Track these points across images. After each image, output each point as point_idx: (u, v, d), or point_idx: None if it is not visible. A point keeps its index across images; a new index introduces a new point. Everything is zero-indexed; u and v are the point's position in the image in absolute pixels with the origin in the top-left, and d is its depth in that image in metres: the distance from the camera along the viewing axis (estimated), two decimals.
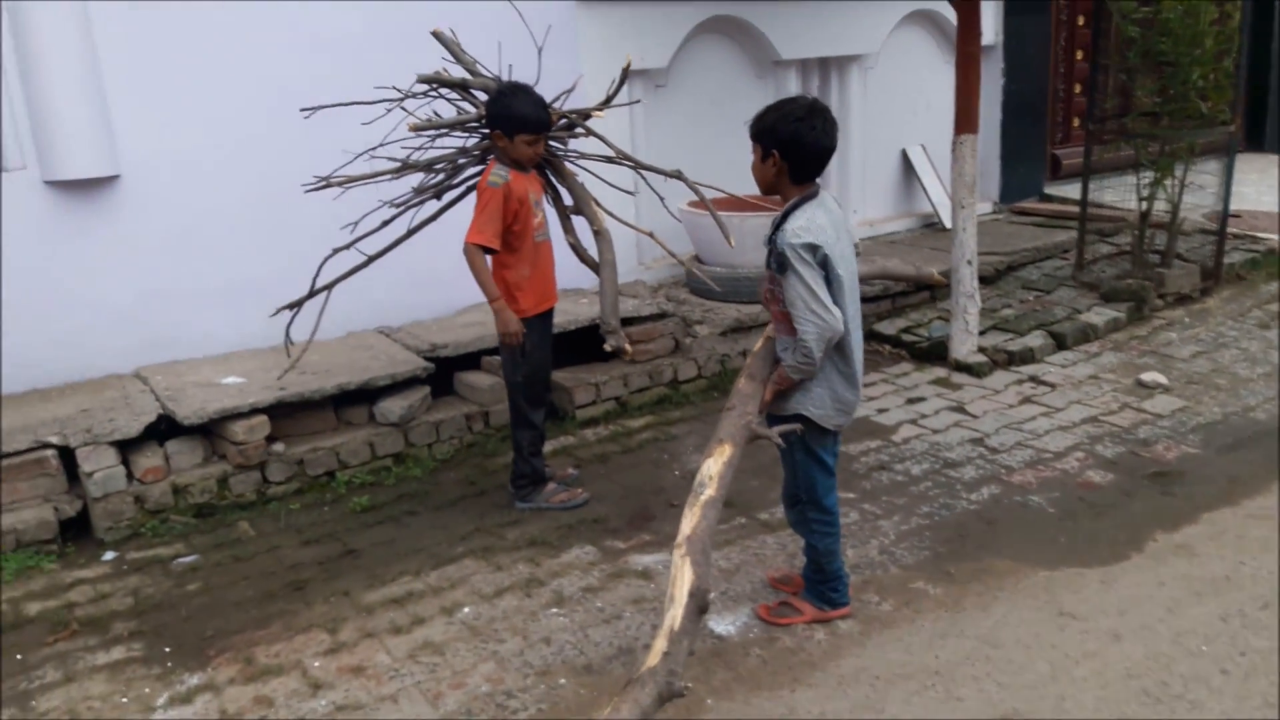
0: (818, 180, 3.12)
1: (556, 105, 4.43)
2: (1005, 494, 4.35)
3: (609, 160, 4.37)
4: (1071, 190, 8.18)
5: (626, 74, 4.31)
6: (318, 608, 3.67)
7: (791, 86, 7.57)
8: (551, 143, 4.38)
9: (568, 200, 4.45)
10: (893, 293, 6.87)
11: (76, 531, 4.27)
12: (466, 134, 4.37)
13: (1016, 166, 9.04)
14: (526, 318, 4.17)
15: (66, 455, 4.22)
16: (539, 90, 4.33)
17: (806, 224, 2.98)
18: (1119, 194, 7.08)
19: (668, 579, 3.68)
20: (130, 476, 4.31)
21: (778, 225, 3.06)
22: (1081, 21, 9.31)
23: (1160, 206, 6.74)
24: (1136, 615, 3.35)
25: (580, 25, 6.30)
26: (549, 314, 4.35)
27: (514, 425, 4.42)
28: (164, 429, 4.47)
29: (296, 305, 4.53)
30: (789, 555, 3.89)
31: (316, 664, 3.32)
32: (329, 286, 4.50)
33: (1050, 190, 9.16)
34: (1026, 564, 3.74)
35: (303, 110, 4.30)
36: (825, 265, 2.99)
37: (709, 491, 2.90)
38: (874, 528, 4.11)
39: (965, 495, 4.35)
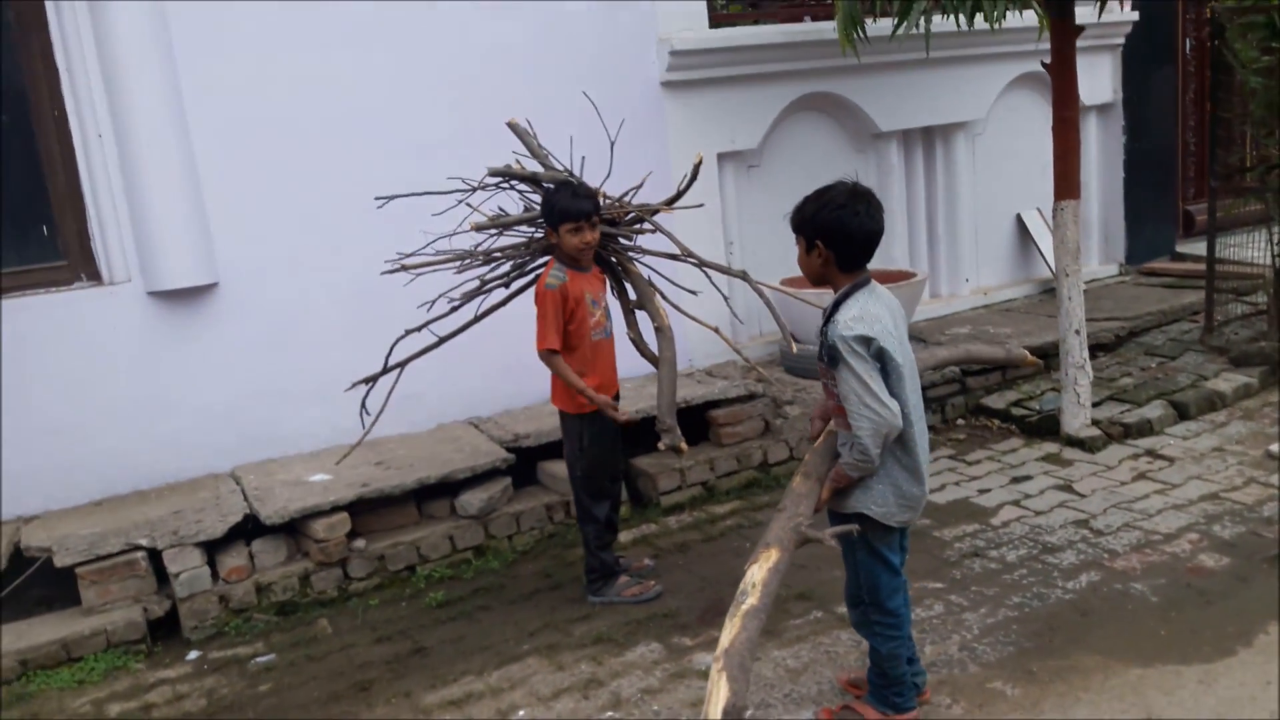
0: (867, 267, 3.00)
1: (626, 199, 4.45)
2: (1105, 581, 4.03)
3: (673, 257, 4.33)
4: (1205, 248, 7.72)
5: (697, 171, 4.29)
6: (378, 709, 3.66)
7: (893, 159, 7.43)
8: (619, 239, 4.39)
9: (633, 295, 4.43)
10: (1005, 364, 6.56)
11: (166, 631, 4.40)
12: (534, 228, 4.42)
13: (1143, 225, 8.59)
14: (586, 413, 4.15)
15: (156, 557, 4.37)
16: (622, 182, 4.39)
17: (859, 314, 2.87)
18: (1255, 250, 6.62)
19: None
20: (216, 576, 4.44)
21: (829, 316, 2.95)
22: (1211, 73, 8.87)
23: None
24: None
25: (667, 112, 6.34)
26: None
27: (580, 520, 4.38)
28: (251, 528, 4.60)
29: (371, 380, 4.57)
30: (863, 653, 3.68)
31: None
32: (401, 365, 4.52)
33: (1183, 249, 8.66)
34: (1118, 660, 3.44)
35: (376, 199, 4.43)
36: (881, 357, 2.87)
37: (751, 600, 2.74)
38: (958, 621, 3.86)
39: (1061, 583, 4.05)
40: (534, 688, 3.69)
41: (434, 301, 4.37)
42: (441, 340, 4.47)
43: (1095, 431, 5.53)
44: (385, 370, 4.50)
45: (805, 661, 3.69)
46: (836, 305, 2.94)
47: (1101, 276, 8.47)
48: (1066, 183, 5.53)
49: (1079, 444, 5.49)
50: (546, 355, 4.03)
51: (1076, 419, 5.58)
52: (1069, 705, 3.21)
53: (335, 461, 4.90)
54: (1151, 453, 5.32)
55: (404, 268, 4.30)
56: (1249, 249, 6.64)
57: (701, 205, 4.45)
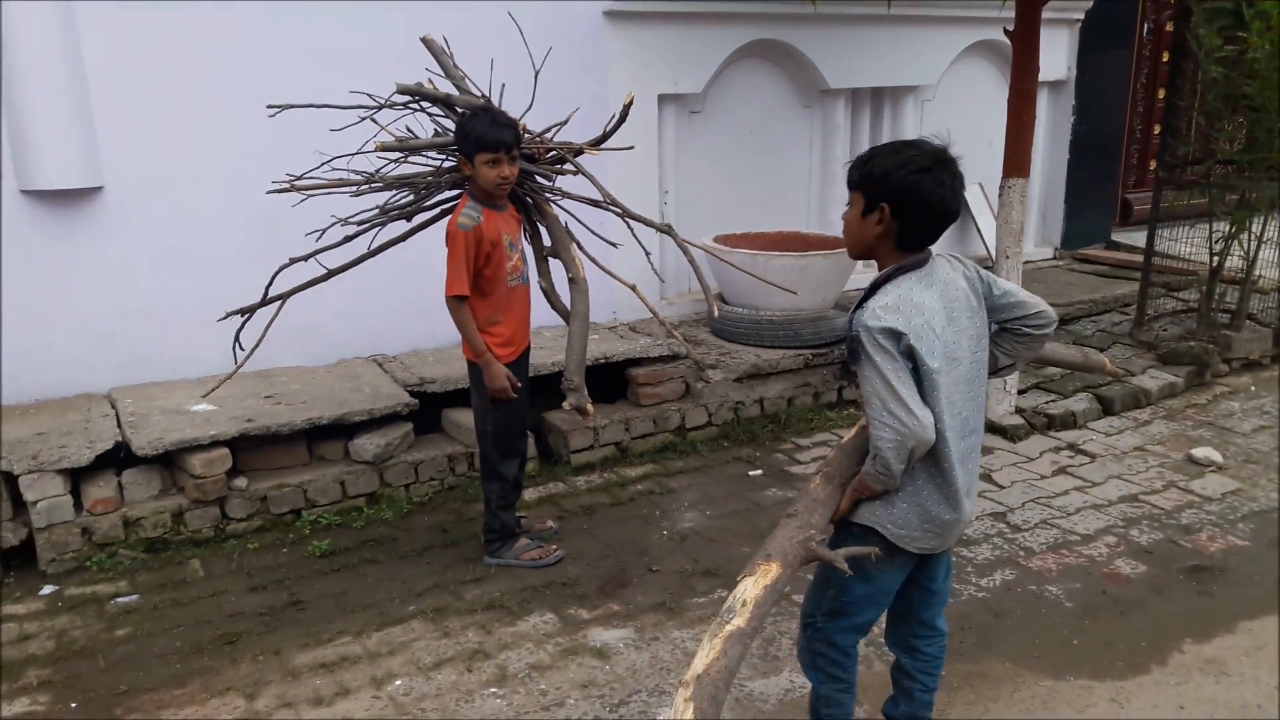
0: (930, 249, 2.45)
1: (548, 136, 4.12)
2: (1020, 581, 3.90)
3: (595, 204, 4.02)
4: (1142, 238, 7.65)
5: (627, 111, 3.94)
6: (243, 667, 3.38)
7: (840, 118, 7.17)
8: (538, 178, 4.06)
9: (548, 242, 4.12)
10: None
11: (23, 562, 4.05)
12: (444, 156, 4.07)
13: (1083, 211, 8.50)
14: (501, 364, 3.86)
15: (13, 481, 3.99)
16: (556, 116, 4.04)
17: (895, 302, 2.33)
18: (1191, 245, 6.53)
19: (624, 661, 3.37)
20: (80, 506, 4.08)
21: (861, 300, 2.42)
22: (1166, 58, 8.74)
23: (1235, 262, 6.20)
24: None
25: (608, 43, 5.98)
26: (522, 359, 4.01)
27: (483, 476, 4.11)
28: (123, 456, 4.24)
29: (247, 312, 4.19)
30: (766, 640, 3.49)
31: None
32: (282, 297, 4.12)
33: (1119, 237, 8.61)
34: (1030, 670, 3.30)
35: (269, 107, 4.03)
36: (911, 357, 2.33)
37: (737, 621, 2.23)
38: None
39: (975, 579, 3.91)
40: (415, 655, 3.44)
41: (325, 230, 4.00)
42: (329, 273, 4.11)
43: (1019, 420, 5.41)
44: (264, 301, 4.12)
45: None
46: (874, 288, 2.40)
47: (1035, 259, 8.38)
48: (1018, 160, 5.33)
49: (1001, 432, 5.36)
50: (453, 302, 3.70)
51: (1000, 405, 5.45)
52: (977, 715, 3.06)
53: (204, 393, 4.53)
54: (1073, 446, 5.21)
55: (294, 188, 3.91)
56: (1185, 244, 6.56)
57: (631, 148, 4.10)
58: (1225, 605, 3.67)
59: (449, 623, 3.65)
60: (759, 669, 3.34)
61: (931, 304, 2.36)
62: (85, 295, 4.78)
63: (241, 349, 4.07)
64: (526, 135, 4.00)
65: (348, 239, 4.04)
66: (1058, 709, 3.08)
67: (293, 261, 4.00)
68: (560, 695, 3.21)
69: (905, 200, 2.34)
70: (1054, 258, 8.43)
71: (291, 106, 3.99)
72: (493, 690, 3.24)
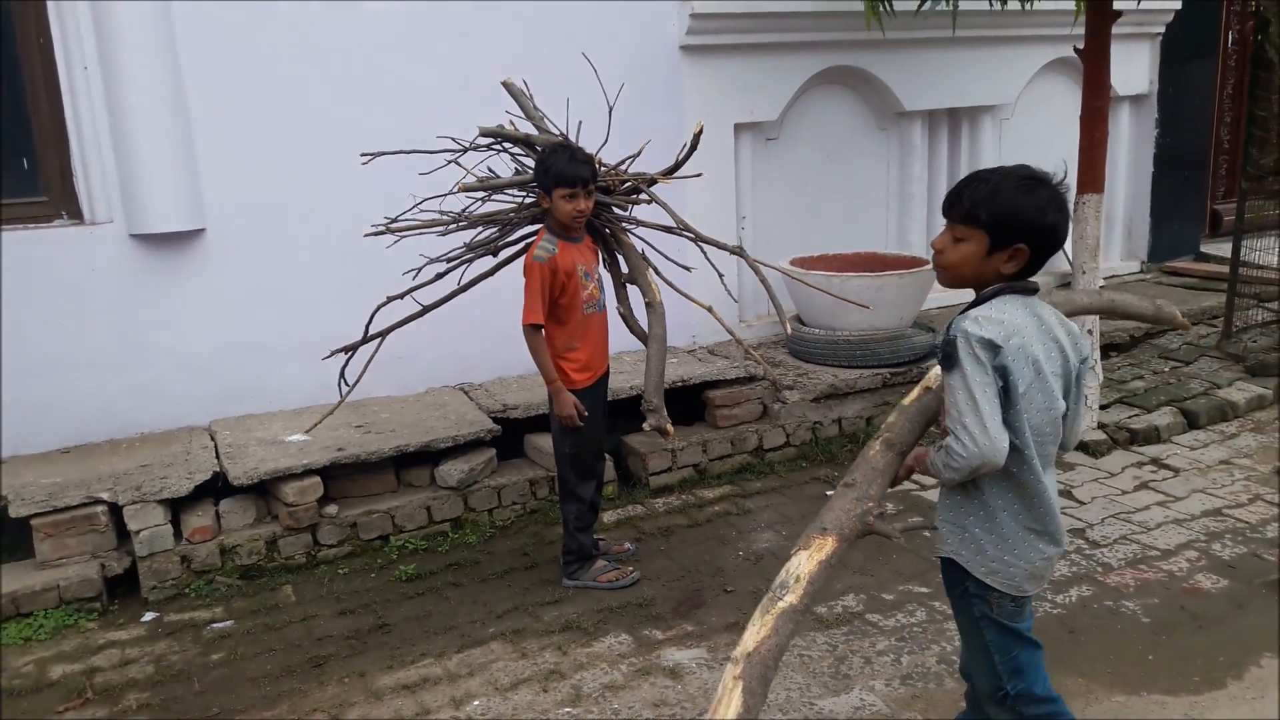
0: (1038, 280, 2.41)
1: (623, 168, 4.24)
2: (1096, 597, 3.86)
3: (668, 230, 4.12)
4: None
5: (698, 139, 4.05)
6: (330, 689, 3.53)
7: (916, 139, 7.18)
8: (614, 208, 4.19)
9: (625, 269, 4.23)
10: None
11: (126, 590, 4.28)
12: (525, 193, 4.23)
13: (1169, 223, 8.33)
14: (576, 390, 3.99)
15: (119, 511, 4.23)
16: (635, 145, 4.17)
17: (998, 315, 2.28)
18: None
19: (696, 681, 3.44)
20: (179, 535, 4.31)
21: (965, 310, 2.37)
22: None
23: None
24: None
25: (685, 77, 6.11)
26: (599, 384, 4.15)
27: (561, 498, 4.23)
28: (221, 486, 4.46)
29: (350, 349, 4.42)
30: (837, 659, 3.53)
31: None
32: (383, 334, 4.35)
33: (1209, 249, 8.40)
34: (1102, 685, 3.28)
35: (363, 155, 4.25)
36: (1004, 376, 2.26)
37: (790, 598, 2.19)
38: (939, 630, 3.70)
39: (1051, 596, 3.89)
40: (493, 676, 3.56)
41: (420, 269, 4.19)
42: (424, 310, 4.30)
43: (1101, 435, 5.34)
44: (365, 339, 4.34)
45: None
46: (979, 301, 2.37)
47: (1122, 273, 8.23)
48: (1091, 175, 5.31)
49: (1084, 448, 5.30)
50: (529, 330, 3.86)
51: (1083, 422, 5.37)
52: None
53: (309, 427, 4.74)
54: (1157, 461, 5.13)
55: (389, 230, 4.13)
56: (1273, 254, 6.40)
57: (699, 175, 4.19)
58: None
59: (527, 644, 3.76)
60: (829, 687, 3.37)
61: (1029, 328, 2.30)
62: (188, 332, 5.04)
63: (346, 384, 4.29)
64: (602, 169, 4.14)
65: (439, 276, 4.22)
66: None
67: (390, 300, 4.20)
68: (632, 714, 3.29)
69: (1044, 239, 2.30)
70: (1141, 271, 8.27)
71: (384, 154, 4.18)
72: (567, 710, 3.34)
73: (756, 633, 2.15)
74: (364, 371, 4.32)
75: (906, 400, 2.61)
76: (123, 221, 4.86)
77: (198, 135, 4.90)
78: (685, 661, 3.59)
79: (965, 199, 2.33)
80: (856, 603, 3.93)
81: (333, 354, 4.37)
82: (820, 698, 3.32)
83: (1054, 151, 7.63)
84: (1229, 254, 6.61)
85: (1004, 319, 2.28)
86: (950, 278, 2.42)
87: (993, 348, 2.24)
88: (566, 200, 3.79)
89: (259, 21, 4.93)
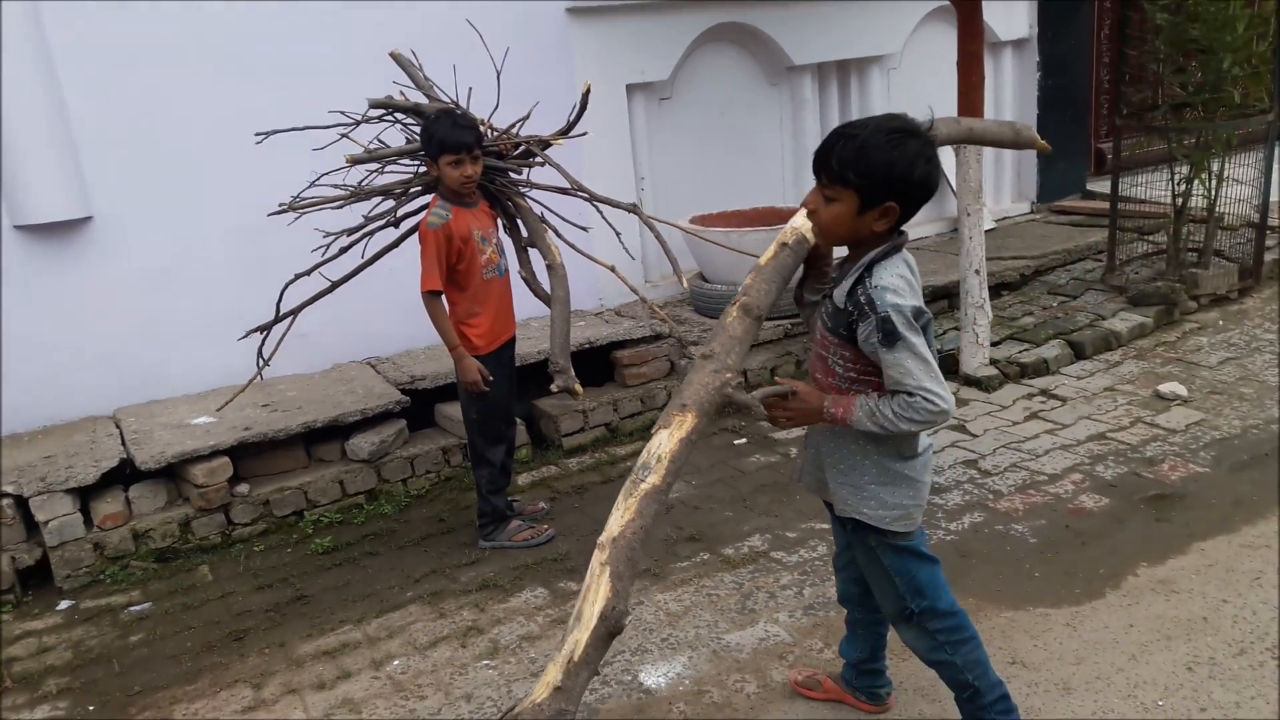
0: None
1: (514, 130, 4.29)
2: (988, 522, 4.07)
3: (563, 191, 4.19)
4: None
5: (586, 100, 4.12)
6: (250, 660, 3.58)
7: (807, 92, 7.31)
8: (509, 173, 4.24)
9: (525, 233, 4.29)
10: None
11: (40, 580, 4.26)
12: (417, 162, 4.26)
13: (1056, 163, 8.59)
14: (479, 355, 4.05)
15: (26, 504, 4.20)
16: (527, 110, 4.21)
17: (906, 283, 2.31)
18: (1158, 189, 6.66)
19: None
20: (89, 523, 4.29)
21: (858, 279, 2.34)
22: None
23: (1200, 202, 6.34)
24: (1094, 664, 3.06)
25: (574, 39, 6.14)
26: (504, 349, 4.21)
27: (473, 463, 4.30)
28: (129, 473, 4.45)
29: (265, 329, 4.42)
30: (744, 595, 3.68)
31: None
32: (294, 312, 4.36)
33: (1094, 187, 8.71)
34: (991, 603, 3.47)
35: (256, 135, 4.24)
36: (925, 334, 2.32)
37: (653, 479, 2.18)
38: None
39: (945, 524, 4.08)
40: (413, 636, 3.64)
41: (327, 245, 4.20)
42: (334, 285, 4.34)
43: (993, 371, 5.57)
44: (278, 318, 4.36)
45: (686, 605, 3.67)
46: (869, 267, 2.32)
47: (1013, 214, 8.51)
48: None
49: (976, 383, 5.52)
50: (427, 297, 3.91)
51: (975, 358, 5.61)
52: None
53: (218, 406, 4.75)
54: (1046, 392, 5.37)
55: (291, 208, 4.14)
56: (1154, 188, 6.68)
57: (585, 134, 4.25)
58: (1181, 529, 3.83)
59: (445, 604, 3.85)
60: (736, 622, 3.52)
61: (917, 284, 2.36)
62: (83, 322, 4.98)
63: (265, 361, 4.32)
64: (492, 133, 4.19)
65: (343, 250, 4.26)
66: (1015, 637, 3.25)
67: (297, 277, 4.23)
68: (549, 661, 3.39)
69: (914, 193, 2.28)
70: (1031, 211, 8.55)
71: (277, 132, 4.17)
72: (485, 662, 3.43)
73: (621, 517, 2.15)
74: (276, 348, 4.33)
75: (762, 260, 2.51)
76: (4, 213, 4.77)
77: (76, 124, 4.83)
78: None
79: (834, 159, 2.27)
80: (761, 542, 4.08)
81: (247, 334, 4.38)
82: (727, 632, 3.46)
83: (942, 98, 7.87)
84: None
85: (911, 284, 2.32)
86: (825, 237, 2.41)
87: (921, 314, 2.28)
88: (453, 166, 3.84)
89: (131, 4, 4.85)
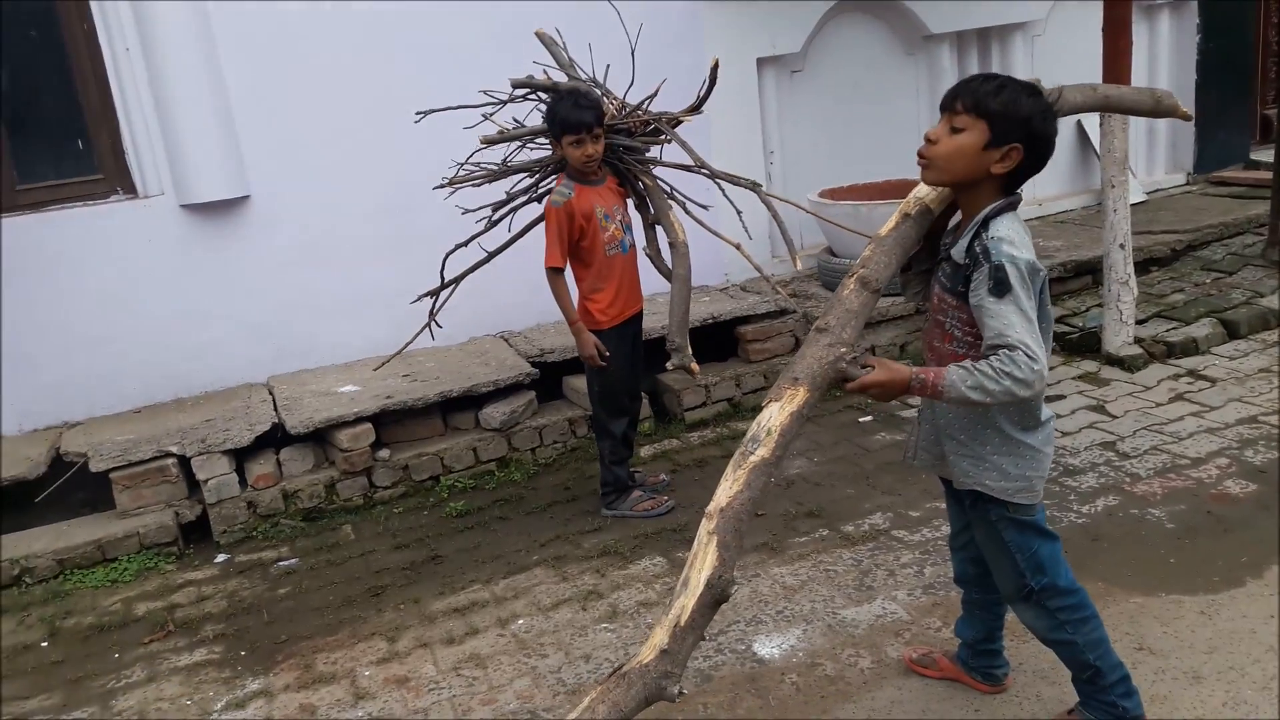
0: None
1: (644, 107, 4.35)
2: (1122, 506, 3.95)
3: (686, 169, 4.23)
4: None
5: (715, 75, 4.15)
6: (387, 615, 3.79)
7: (945, 62, 7.15)
8: (638, 150, 4.31)
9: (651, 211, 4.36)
10: (1050, 278, 6.37)
11: (200, 535, 4.58)
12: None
13: (1216, 131, 8.18)
14: (601, 330, 4.15)
15: (188, 463, 4.52)
16: (662, 91, 4.28)
17: (1019, 236, 2.30)
18: None
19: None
20: (244, 483, 4.59)
21: (975, 232, 2.32)
22: None
23: None
24: (1228, 654, 2.96)
25: (704, 20, 6.15)
26: (627, 324, 4.29)
27: (596, 435, 4.42)
28: (280, 436, 4.73)
29: (434, 294, 4.61)
30: (862, 572, 3.68)
31: (367, 673, 3.42)
32: (458, 279, 4.58)
33: (1258, 156, 8.24)
34: (1121, 588, 3.38)
35: (416, 114, 4.40)
36: (1039, 295, 2.30)
37: (762, 452, 2.19)
38: None
39: (1077, 507, 3.98)
40: (536, 598, 3.78)
41: (485, 219, 4.37)
42: (490, 255, 4.51)
43: (1137, 350, 5.36)
44: (444, 285, 4.57)
45: (803, 580, 3.70)
46: (986, 221, 2.32)
47: (1166, 186, 8.13)
48: None
49: (1119, 363, 5.33)
50: (550, 274, 4.03)
51: (1118, 337, 5.41)
52: None
53: (371, 371, 5.02)
54: (1194, 373, 5.15)
55: (450, 184, 4.32)
56: None
57: (700, 112, 4.26)
58: None
59: (568, 568, 3.97)
60: (853, 598, 3.53)
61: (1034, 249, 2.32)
62: (241, 295, 5.30)
63: (438, 324, 4.61)
64: (625, 109, 4.26)
65: (493, 224, 4.43)
66: (1143, 623, 3.16)
67: (457, 247, 4.42)
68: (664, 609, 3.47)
69: (1039, 147, 2.29)
70: (1187, 183, 8.15)
71: (434, 111, 4.32)
72: (604, 625, 3.54)
73: (729, 488, 2.17)
74: (419, 333, 4.58)
75: (882, 230, 2.46)
76: (173, 193, 5.11)
77: (236, 107, 5.11)
78: None
79: (974, 88, 2.29)
80: (883, 520, 4.07)
81: (419, 298, 4.61)
82: (843, 608, 3.48)
83: (1089, 66, 7.56)
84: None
85: (1027, 240, 2.30)
86: (937, 173, 2.35)
87: (1035, 271, 2.26)
88: (574, 146, 3.93)
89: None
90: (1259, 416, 4.58)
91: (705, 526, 2.15)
